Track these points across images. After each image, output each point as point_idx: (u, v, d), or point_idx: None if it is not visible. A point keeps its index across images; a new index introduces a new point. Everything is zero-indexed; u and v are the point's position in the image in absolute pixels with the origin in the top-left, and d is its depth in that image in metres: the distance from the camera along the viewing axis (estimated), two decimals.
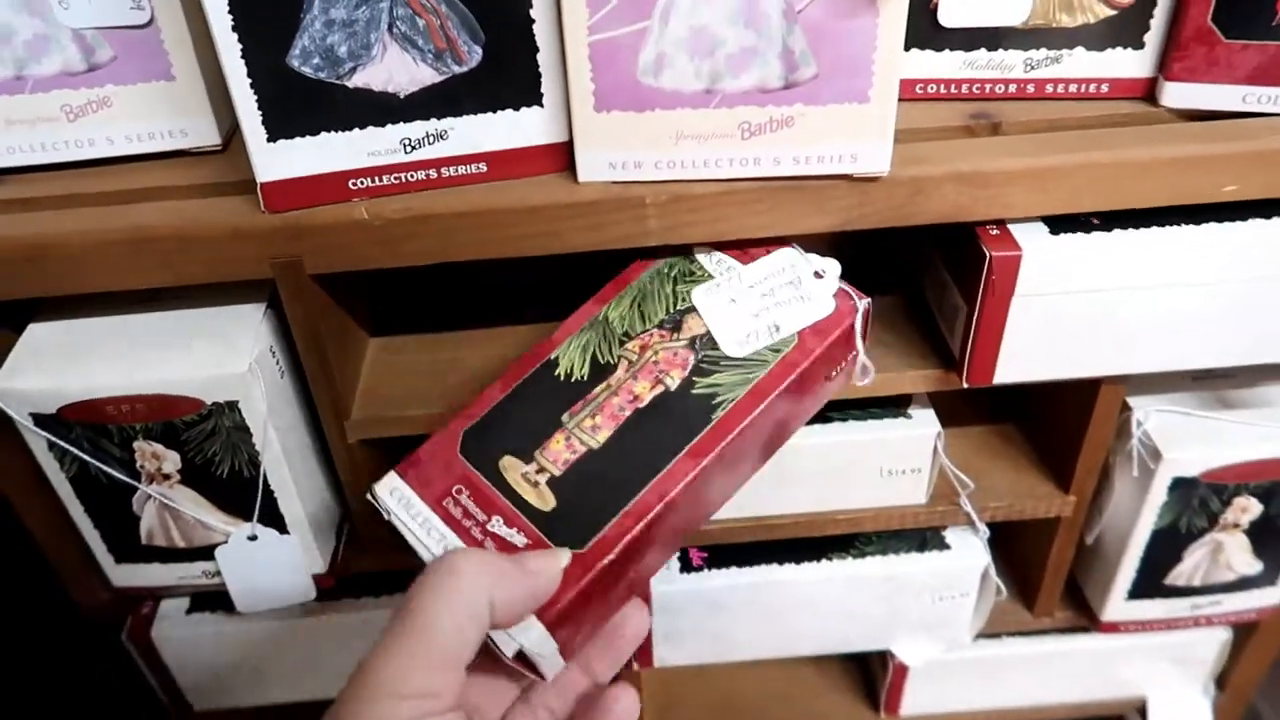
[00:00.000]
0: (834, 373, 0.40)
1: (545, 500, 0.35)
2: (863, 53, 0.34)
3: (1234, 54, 0.38)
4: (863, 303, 0.39)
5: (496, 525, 0.35)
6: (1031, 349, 0.42)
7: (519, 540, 0.34)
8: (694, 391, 0.37)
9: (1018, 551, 0.56)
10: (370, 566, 0.49)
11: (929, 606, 0.51)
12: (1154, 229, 0.39)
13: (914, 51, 0.40)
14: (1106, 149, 0.38)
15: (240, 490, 0.43)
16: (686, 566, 0.51)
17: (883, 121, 0.36)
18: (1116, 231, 0.39)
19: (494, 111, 0.37)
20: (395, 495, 0.36)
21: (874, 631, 0.53)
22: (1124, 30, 0.39)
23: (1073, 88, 0.41)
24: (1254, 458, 0.45)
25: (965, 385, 0.43)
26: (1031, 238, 0.39)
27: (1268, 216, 0.39)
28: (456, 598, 0.30)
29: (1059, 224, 0.40)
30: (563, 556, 0.34)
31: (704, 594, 0.50)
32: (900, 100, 0.41)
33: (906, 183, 0.38)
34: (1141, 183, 0.38)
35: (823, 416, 0.46)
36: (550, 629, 0.33)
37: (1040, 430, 0.51)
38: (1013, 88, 0.41)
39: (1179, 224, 0.39)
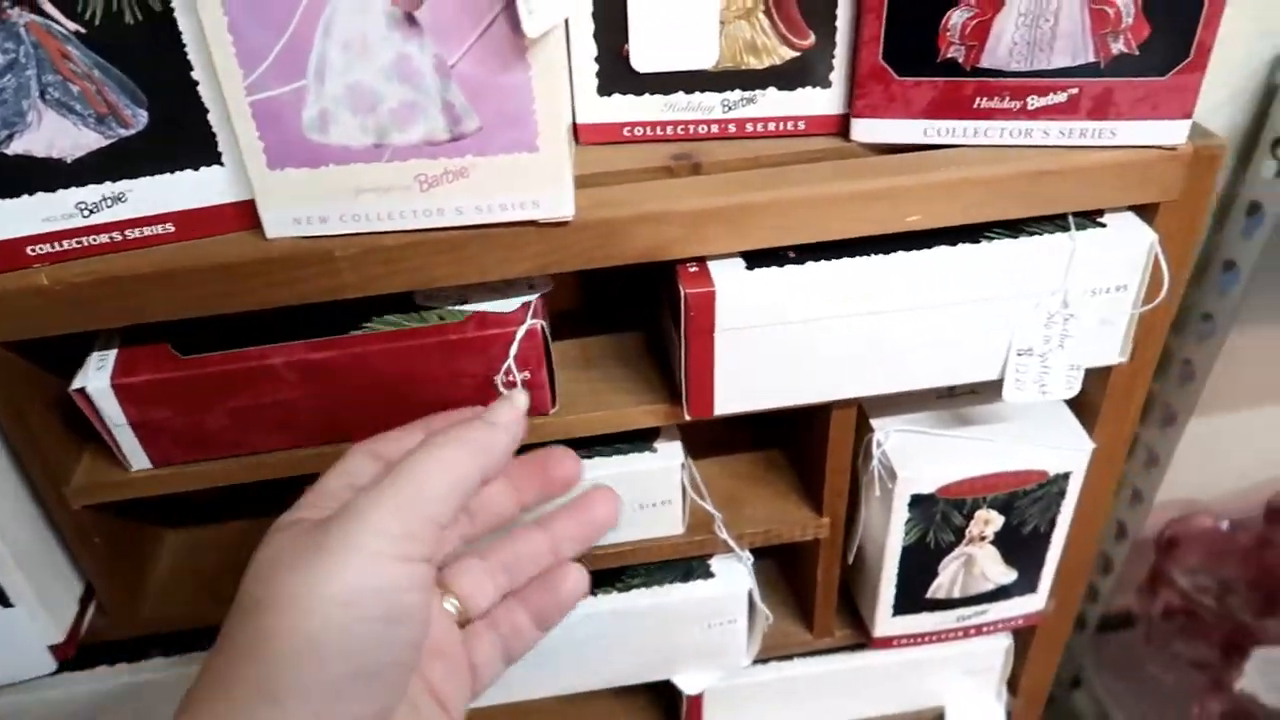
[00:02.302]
0: (498, 378, 0.41)
1: None
2: (522, 105, 0.35)
3: (908, 91, 0.40)
4: (529, 323, 0.40)
5: None
6: (744, 380, 0.43)
7: None
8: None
9: (795, 574, 0.57)
10: (123, 633, 0.48)
11: (701, 634, 0.52)
12: (845, 260, 0.41)
13: (615, 96, 0.41)
14: (795, 186, 0.39)
15: None
16: None
17: (556, 169, 0.36)
18: (810, 264, 0.41)
19: (172, 172, 0.36)
20: None
21: (652, 663, 0.53)
22: (811, 71, 0.41)
23: (770, 126, 0.42)
24: (985, 472, 0.47)
25: (688, 418, 0.44)
26: (727, 274, 0.40)
27: (953, 244, 0.41)
28: (448, 475, 0.33)
29: (758, 259, 0.41)
30: (518, 398, 0.38)
31: None
32: (609, 143, 0.43)
33: (596, 225, 0.38)
34: (830, 216, 0.40)
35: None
36: (120, 394, 0.39)
37: (798, 456, 0.52)
38: (714, 128, 0.42)
39: (870, 254, 0.41)
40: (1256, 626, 0.81)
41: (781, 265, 0.40)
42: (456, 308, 0.41)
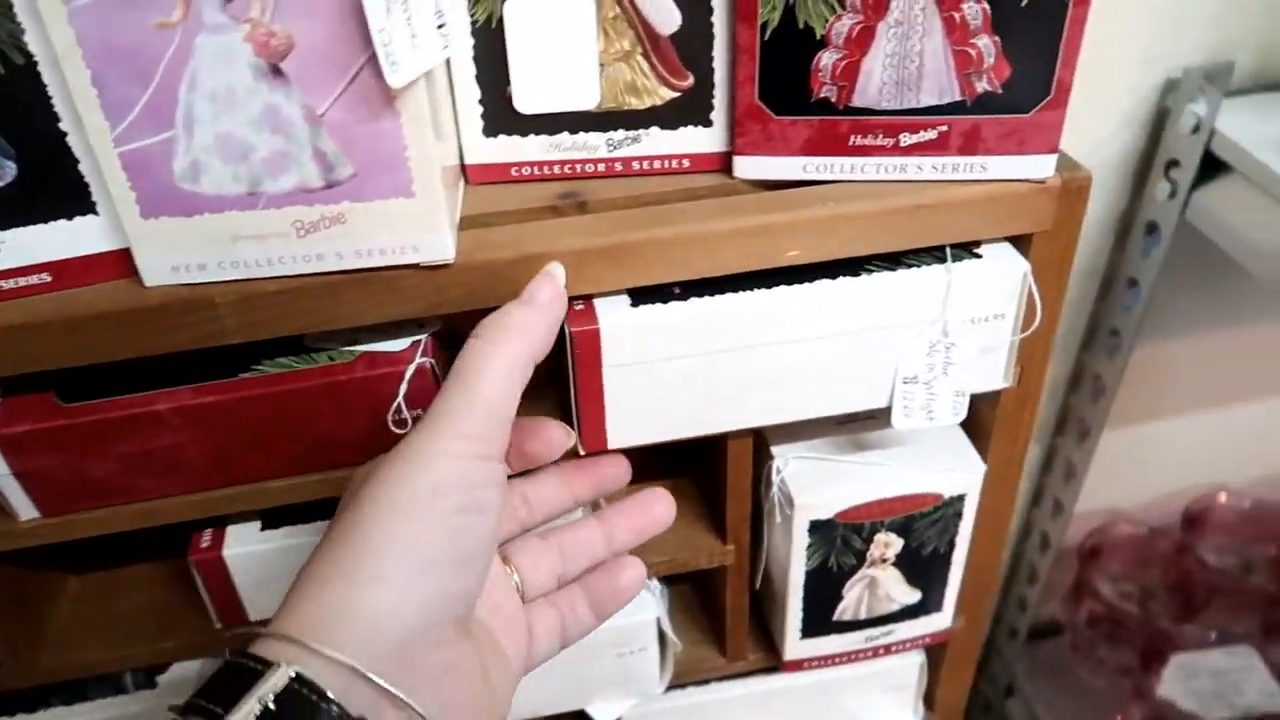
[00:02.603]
0: (389, 417, 0.41)
1: None
2: (394, 151, 0.35)
3: (785, 129, 0.41)
4: (419, 361, 0.40)
5: None
6: (636, 414, 0.43)
7: None
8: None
9: (707, 600, 0.57)
10: (21, 683, 0.47)
11: (613, 663, 0.52)
12: (729, 295, 0.41)
13: (501, 137, 0.42)
14: (678, 224, 0.40)
15: None
16: None
17: (433, 214, 0.37)
18: (694, 300, 0.41)
19: (46, 222, 0.36)
20: None
21: (564, 693, 0.53)
22: (692, 110, 0.42)
23: (655, 164, 0.43)
24: (881, 496, 0.48)
25: (582, 452, 0.44)
26: (612, 312, 0.41)
27: (833, 277, 0.42)
28: (504, 359, 0.34)
29: (643, 296, 0.41)
30: (556, 271, 0.38)
31: None
32: (498, 183, 0.43)
33: (479, 267, 0.39)
34: (713, 253, 0.40)
35: None
36: (2, 444, 0.39)
37: (703, 485, 0.53)
38: (601, 166, 0.43)
39: (753, 289, 0.42)
40: (1175, 632, 0.83)
41: (666, 302, 0.41)
42: (346, 348, 0.42)
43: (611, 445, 0.44)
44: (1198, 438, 0.89)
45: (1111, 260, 0.73)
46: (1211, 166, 0.63)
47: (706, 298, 0.41)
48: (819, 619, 0.53)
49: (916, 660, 0.59)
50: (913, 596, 0.53)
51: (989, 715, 1.02)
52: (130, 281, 0.38)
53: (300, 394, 0.40)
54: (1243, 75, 0.64)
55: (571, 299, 0.41)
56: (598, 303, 0.41)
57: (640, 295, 0.41)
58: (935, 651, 0.60)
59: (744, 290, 0.41)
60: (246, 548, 0.45)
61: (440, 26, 0.34)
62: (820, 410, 0.45)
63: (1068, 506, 0.83)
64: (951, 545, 0.51)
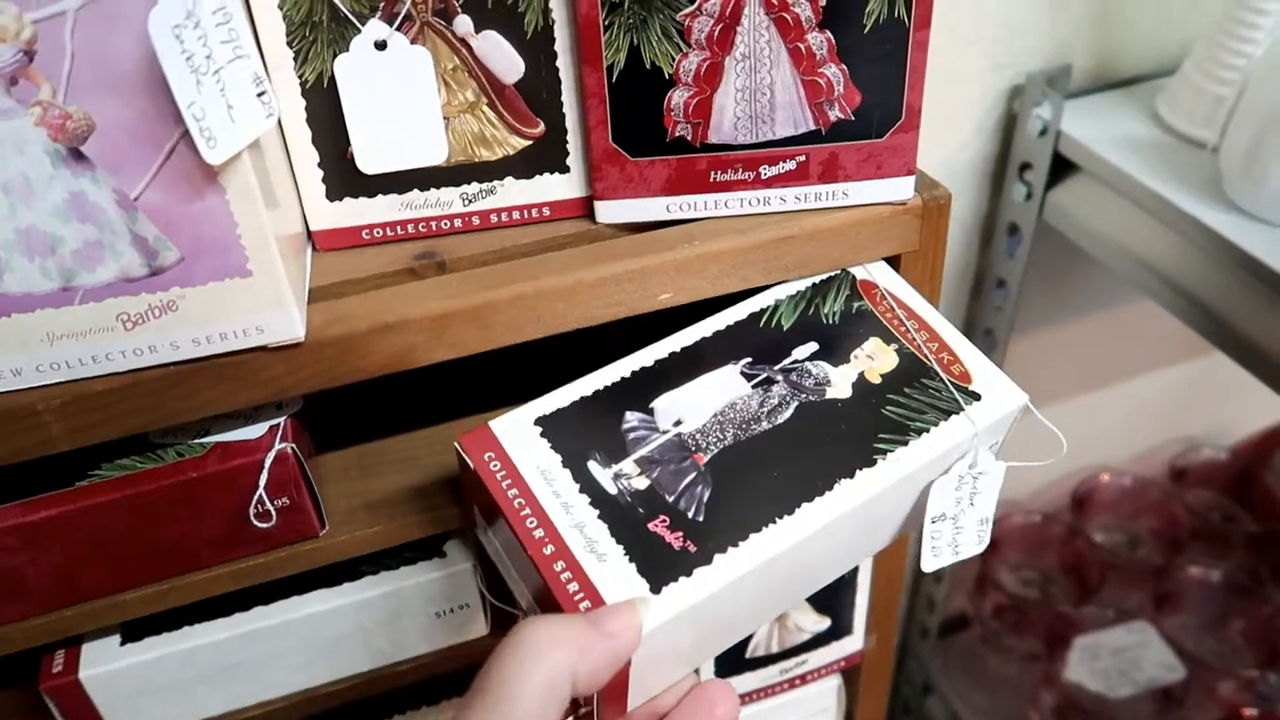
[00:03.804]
0: (251, 510, 0.38)
1: None
2: (223, 230, 0.32)
3: (644, 170, 0.40)
4: (278, 448, 0.38)
5: None
6: (660, 674, 0.37)
7: None
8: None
9: None
10: None
11: None
12: (750, 540, 0.34)
13: (346, 200, 0.40)
14: (541, 278, 0.38)
15: None
16: None
17: (275, 292, 0.34)
18: (718, 562, 0.34)
19: None
20: None
21: None
22: (546, 158, 0.40)
23: (515, 214, 0.41)
24: None
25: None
26: (524, 449, 0.36)
27: (851, 475, 0.36)
28: (539, 678, 0.29)
29: (663, 573, 0.34)
30: (642, 608, 0.32)
31: None
32: (350, 248, 0.41)
33: (333, 343, 0.36)
34: (581, 304, 0.39)
35: (354, 572, 0.44)
36: None
37: None
38: (458, 222, 0.41)
39: (775, 521, 0.35)
40: (1075, 615, 0.86)
41: (677, 578, 0.33)
42: (197, 441, 0.38)
43: (630, 708, 0.36)
44: (1076, 423, 0.93)
45: (980, 262, 0.75)
46: (1062, 166, 0.66)
47: (731, 549, 0.34)
48: (731, 659, 0.51)
49: (833, 684, 0.58)
50: (822, 624, 0.52)
51: (909, 716, 1.03)
52: None
53: (148, 497, 0.37)
54: (1081, 77, 0.67)
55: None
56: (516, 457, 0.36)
57: (653, 572, 0.33)
58: (850, 672, 0.59)
59: (765, 526, 0.35)
60: (106, 666, 0.41)
61: (261, 94, 0.31)
62: (833, 578, 0.41)
63: None
64: (856, 569, 0.51)
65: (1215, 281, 0.58)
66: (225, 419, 0.39)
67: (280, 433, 0.38)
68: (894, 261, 0.44)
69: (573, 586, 0.33)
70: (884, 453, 0.37)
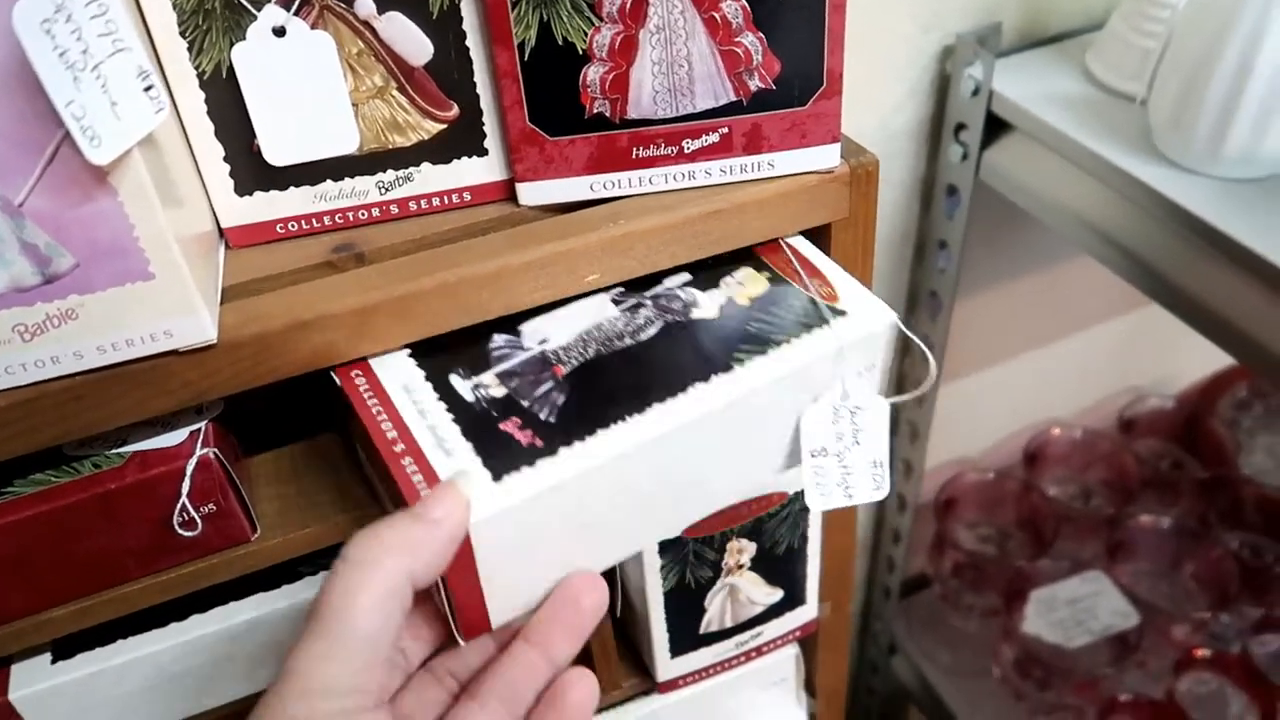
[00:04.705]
0: (175, 519, 0.37)
1: None
2: (118, 232, 0.31)
3: (564, 150, 0.39)
4: (200, 453, 0.37)
5: None
6: (516, 586, 0.36)
7: None
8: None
9: None
10: None
11: None
12: (596, 435, 0.35)
13: (257, 194, 0.38)
14: (464, 265, 0.37)
15: None
16: None
17: (181, 294, 0.33)
18: (562, 452, 0.34)
19: None
20: None
21: None
22: (463, 141, 0.39)
23: (435, 201, 0.40)
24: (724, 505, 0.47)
25: (462, 643, 0.39)
26: (391, 369, 0.37)
27: (705, 378, 0.37)
28: (371, 588, 0.29)
29: (500, 462, 0.34)
30: (464, 483, 0.32)
31: None
32: (264, 243, 0.39)
33: (249, 342, 0.35)
34: (506, 290, 0.38)
35: (292, 573, 0.43)
36: None
37: None
38: (376, 211, 0.40)
39: (624, 418, 0.35)
40: (1030, 569, 0.87)
41: (532, 462, 0.34)
42: (114, 451, 0.37)
43: (495, 624, 0.36)
44: (1025, 380, 0.94)
45: (920, 225, 0.75)
46: (996, 126, 0.66)
47: (577, 443, 0.35)
48: (686, 635, 0.51)
49: (791, 653, 0.59)
50: (775, 595, 0.52)
51: (876, 676, 1.04)
52: None
53: (65, 512, 0.36)
54: (1011, 35, 0.67)
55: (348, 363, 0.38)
56: (375, 363, 0.37)
57: (497, 463, 0.34)
58: (808, 640, 0.60)
59: (616, 422, 0.35)
60: (37, 686, 0.40)
61: (148, 89, 0.30)
62: (714, 508, 0.42)
63: (917, 466, 0.86)
64: (804, 539, 0.51)
65: (1148, 234, 0.58)
66: (143, 427, 0.38)
67: (201, 438, 0.37)
68: (825, 230, 0.44)
69: (416, 477, 0.33)
70: (742, 361, 0.37)
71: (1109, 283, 0.91)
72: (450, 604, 0.34)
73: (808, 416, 0.39)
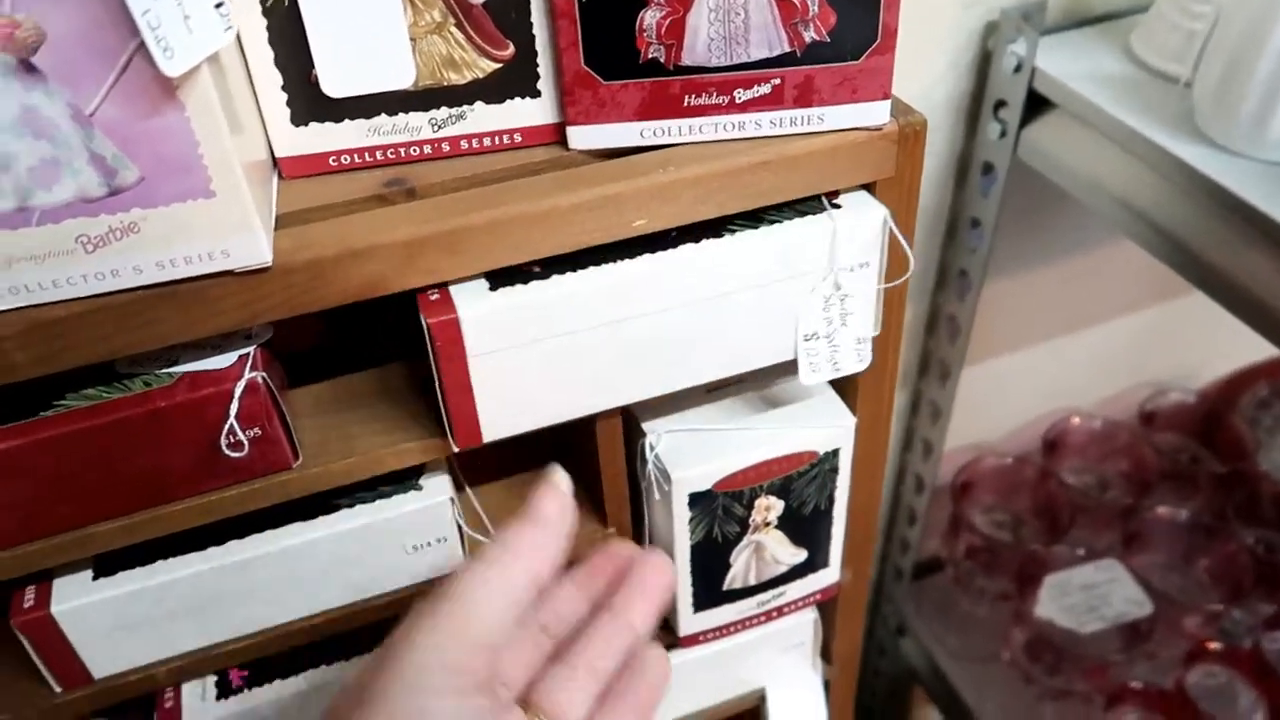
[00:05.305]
0: (222, 441, 0.38)
1: None
2: (184, 148, 0.32)
3: (617, 94, 0.39)
4: (249, 376, 0.37)
5: None
6: (507, 403, 0.41)
7: None
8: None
9: None
10: None
11: None
12: (590, 269, 0.40)
13: (312, 125, 0.39)
14: (513, 203, 0.38)
15: None
16: (225, 690, 0.47)
17: (240, 214, 0.33)
18: (555, 278, 0.39)
19: None
20: None
21: None
22: (517, 81, 0.39)
23: (485, 141, 0.40)
24: (757, 461, 0.48)
25: (456, 449, 0.42)
26: (470, 298, 0.38)
27: (697, 240, 0.41)
28: (501, 587, 0.32)
29: (501, 278, 0.39)
30: (561, 482, 0.36)
31: (252, 714, 0.46)
32: (316, 175, 0.40)
33: (302, 267, 0.36)
34: (553, 230, 0.38)
35: (327, 505, 0.44)
36: None
37: (579, 469, 0.51)
38: (427, 149, 0.40)
39: (616, 260, 0.40)
40: (1045, 554, 0.87)
41: (526, 282, 0.39)
42: (165, 371, 0.38)
43: (486, 439, 0.41)
44: (1047, 366, 0.94)
45: (954, 202, 0.75)
46: (1036, 104, 0.65)
47: (569, 273, 0.39)
48: (709, 591, 0.52)
49: (810, 617, 0.59)
50: (799, 556, 0.53)
51: (884, 658, 1.05)
52: None
53: (116, 427, 0.36)
54: (1055, 14, 0.66)
55: (425, 288, 0.39)
56: (454, 290, 0.39)
57: (498, 278, 0.39)
58: (827, 606, 0.60)
59: (607, 262, 0.40)
60: (78, 601, 0.40)
61: (218, 5, 0.30)
62: (695, 379, 0.44)
63: (937, 447, 0.86)
64: (831, 501, 0.51)
65: (1189, 216, 0.58)
66: (193, 349, 0.38)
67: (250, 362, 0.38)
68: (869, 189, 0.44)
69: None
70: (733, 232, 0.41)
71: (1137, 273, 0.91)
72: (447, 413, 0.40)
73: (802, 305, 0.43)
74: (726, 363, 0.44)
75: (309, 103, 0.38)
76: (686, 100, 0.40)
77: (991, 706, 0.91)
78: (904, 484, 0.92)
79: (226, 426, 0.37)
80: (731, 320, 0.43)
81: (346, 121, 0.39)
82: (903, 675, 1.03)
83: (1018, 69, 0.64)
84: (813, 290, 0.43)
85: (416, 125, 0.39)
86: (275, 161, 0.39)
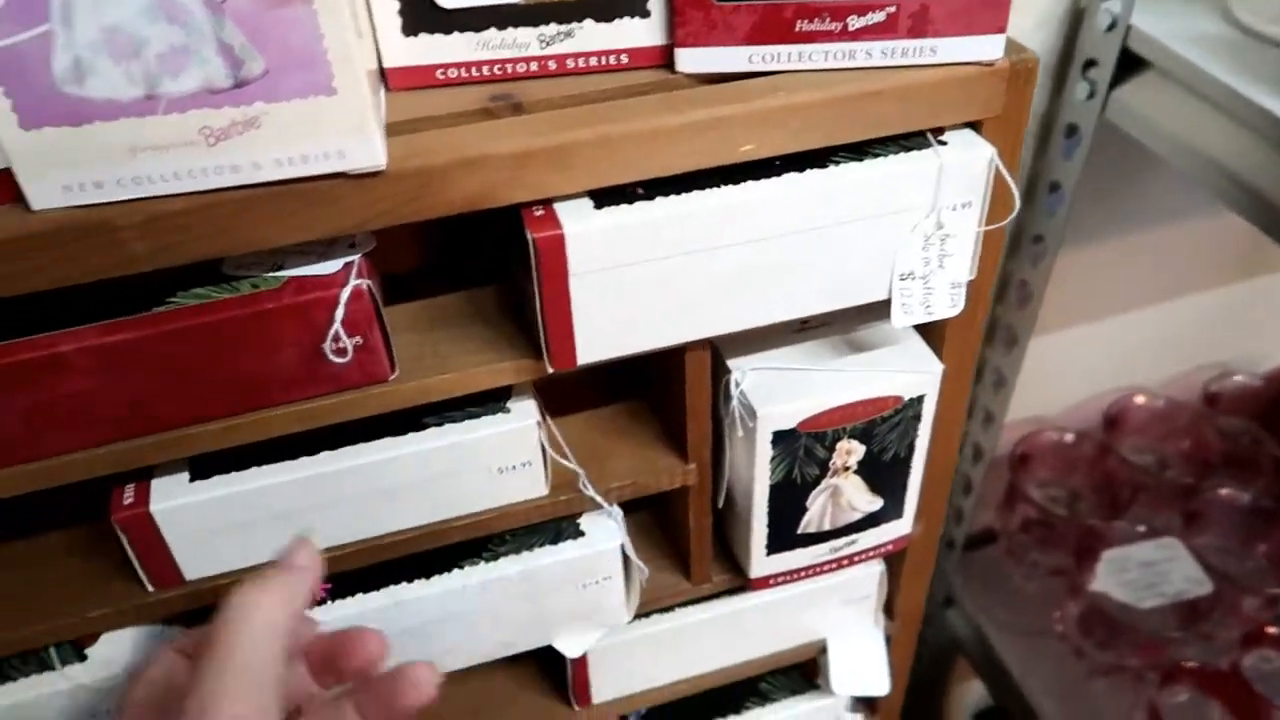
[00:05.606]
0: (326, 345, 0.38)
1: None
2: (309, 42, 0.32)
3: (728, 17, 0.39)
4: (354, 283, 0.37)
5: None
6: (605, 326, 0.41)
7: None
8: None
9: (668, 525, 0.56)
10: None
11: (577, 595, 0.50)
12: (695, 193, 0.39)
13: (422, 36, 0.39)
14: (621, 121, 0.38)
15: None
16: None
17: (359, 113, 0.33)
18: (660, 200, 0.39)
19: None
20: None
21: (528, 630, 0.51)
22: (628, 0, 0.39)
23: (592, 60, 0.40)
24: (843, 402, 0.47)
25: (551, 370, 0.42)
26: (575, 215, 0.38)
27: (801, 170, 0.40)
28: (261, 628, 0.33)
29: (605, 198, 0.39)
30: (308, 534, 0.37)
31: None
32: (422, 88, 0.40)
33: (413, 174, 0.36)
34: (659, 151, 0.38)
35: (418, 422, 0.44)
36: None
37: (661, 404, 0.51)
38: (533, 65, 0.40)
39: (721, 185, 0.40)
40: (1104, 529, 0.86)
41: (631, 202, 0.39)
42: (271, 274, 0.38)
43: (581, 361, 0.42)
44: (1114, 341, 0.92)
45: (1033, 164, 0.73)
46: (1128, 64, 0.64)
47: (674, 196, 0.39)
48: (784, 533, 0.52)
49: (876, 570, 0.59)
50: (875, 504, 0.52)
51: (930, 627, 1.04)
52: (14, 207, 0.33)
53: (224, 326, 0.37)
54: None
55: (529, 204, 0.39)
56: (558, 207, 0.38)
57: (602, 197, 0.39)
58: (893, 561, 0.60)
59: (712, 187, 0.39)
60: (175, 501, 0.41)
61: None
62: (789, 313, 0.44)
63: (998, 416, 0.85)
64: (911, 449, 0.51)
65: None
66: (299, 255, 0.39)
67: (355, 269, 0.38)
68: (976, 127, 0.43)
69: None
70: (837, 163, 0.41)
71: (1210, 251, 0.89)
72: (545, 333, 0.40)
73: (901, 243, 0.43)
74: (821, 298, 0.44)
75: (421, 12, 0.38)
76: (799, 25, 0.39)
77: (1037, 681, 0.90)
78: (962, 452, 0.91)
79: (332, 331, 0.38)
80: (830, 254, 0.42)
81: (456, 34, 0.39)
82: (947, 646, 1.02)
83: (1111, 26, 0.63)
84: (914, 228, 0.42)
85: (525, 41, 0.39)
86: (383, 73, 0.39)
